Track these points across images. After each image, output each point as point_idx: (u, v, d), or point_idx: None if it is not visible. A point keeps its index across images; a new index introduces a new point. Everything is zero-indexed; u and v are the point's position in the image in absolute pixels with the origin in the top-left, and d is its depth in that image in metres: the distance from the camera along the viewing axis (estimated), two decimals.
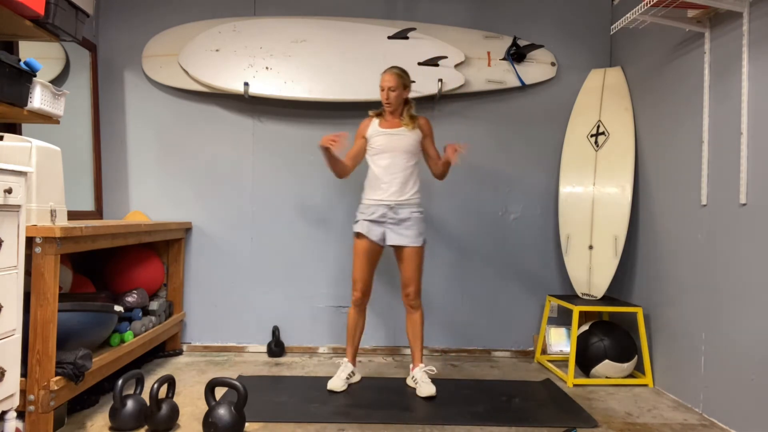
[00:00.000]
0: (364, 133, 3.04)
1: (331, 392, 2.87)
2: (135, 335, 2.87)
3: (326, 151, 2.84)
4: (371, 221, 2.94)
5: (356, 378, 3.07)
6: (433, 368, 3.02)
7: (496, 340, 3.78)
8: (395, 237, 2.94)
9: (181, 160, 3.69)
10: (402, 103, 3.00)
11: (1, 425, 1.92)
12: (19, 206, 1.93)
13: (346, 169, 3.04)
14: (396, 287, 3.75)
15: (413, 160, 2.98)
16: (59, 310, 2.22)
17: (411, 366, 3.07)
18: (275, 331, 3.63)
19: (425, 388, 2.84)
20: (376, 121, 3.03)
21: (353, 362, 3.07)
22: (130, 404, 2.34)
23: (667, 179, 3.09)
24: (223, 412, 2.24)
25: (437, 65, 3.58)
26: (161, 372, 3.19)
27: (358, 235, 2.96)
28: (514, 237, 3.78)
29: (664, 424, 2.55)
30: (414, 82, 3.52)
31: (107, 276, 3.17)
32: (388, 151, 2.95)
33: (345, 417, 2.53)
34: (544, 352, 3.65)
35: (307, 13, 3.68)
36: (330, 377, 3.02)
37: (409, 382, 3.04)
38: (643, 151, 3.36)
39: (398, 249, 2.98)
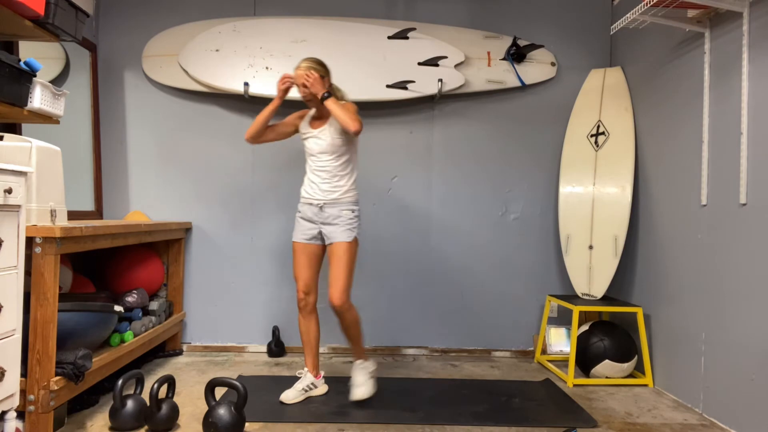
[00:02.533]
0: (296, 123, 2.90)
1: (282, 404, 2.68)
2: (135, 335, 2.87)
3: (284, 93, 2.78)
4: (304, 219, 2.82)
5: (320, 390, 2.85)
6: (372, 366, 2.87)
7: (496, 340, 3.78)
8: (326, 234, 2.78)
9: (181, 160, 3.69)
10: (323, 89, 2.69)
11: (1, 425, 1.92)
12: (19, 206, 1.93)
13: (266, 134, 2.87)
14: (396, 287, 3.75)
15: (343, 157, 2.76)
16: (59, 310, 2.22)
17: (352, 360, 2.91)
18: (275, 331, 3.63)
19: (359, 391, 2.71)
20: (308, 117, 2.87)
21: (314, 373, 2.85)
22: (130, 404, 2.34)
23: (667, 179, 3.09)
24: (223, 412, 2.24)
25: (437, 65, 3.58)
26: (161, 372, 3.19)
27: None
28: (514, 237, 3.78)
29: (664, 424, 2.55)
30: (414, 81, 3.54)
31: (107, 276, 3.17)
32: (315, 153, 2.78)
33: (345, 417, 2.53)
34: (544, 352, 3.65)
35: (307, 13, 3.68)
36: (330, 377, 3.02)
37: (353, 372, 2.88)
38: (643, 151, 3.36)
39: (328, 246, 2.81)
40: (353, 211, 2.79)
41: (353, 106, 2.74)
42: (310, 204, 2.79)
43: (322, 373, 2.93)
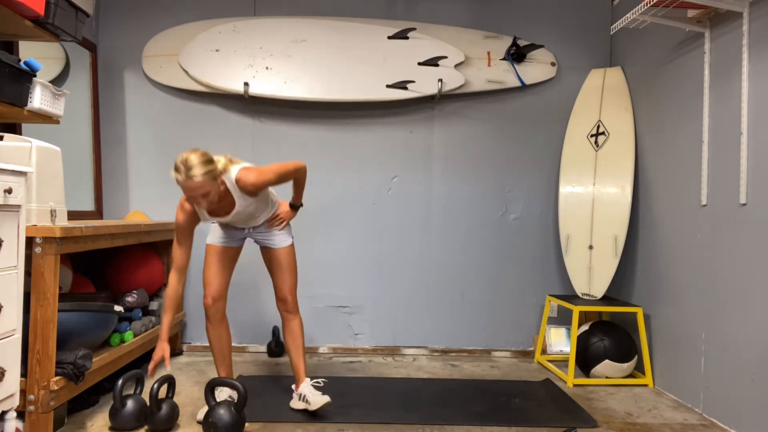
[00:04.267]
0: (191, 227, 2.41)
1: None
2: (135, 335, 2.87)
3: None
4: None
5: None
6: (319, 380, 2.68)
7: (496, 340, 3.78)
8: (260, 239, 2.61)
9: None
10: (219, 188, 2.29)
11: (1, 425, 1.92)
12: (19, 206, 1.93)
13: (186, 264, 2.44)
14: (396, 287, 3.75)
15: (262, 209, 2.52)
16: (59, 310, 2.22)
17: (293, 386, 2.62)
18: (275, 331, 3.63)
19: (317, 399, 2.47)
20: (202, 212, 2.38)
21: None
22: (130, 404, 2.34)
23: (667, 179, 3.09)
24: (223, 412, 2.24)
25: (437, 65, 3.58)
26: (161, 372, 3.19)
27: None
28: (514, 237, 3.78)
29: (664, 424, 2.55)
30: (414, 81, 3.54)
31: (107, 276, 3.17)
32: (237, 222, 2.51)
33: (345, 417, 2.53)
34: (544, 352, 3.65)
35: (307, 13, 3.68)
36: (330, 377, 3.02)
37: (295, 404, 2.58)
38: (643, 151, 3.36)
39: (266, 251, 2.63)
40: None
41: (278, 174, 2.37)
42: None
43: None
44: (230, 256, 2.60)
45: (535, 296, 3.78)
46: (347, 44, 3.57)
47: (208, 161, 2.22)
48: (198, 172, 2.17)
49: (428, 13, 3.75)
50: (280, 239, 2.60)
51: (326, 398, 2.49)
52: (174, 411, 2.36)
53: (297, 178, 2.54)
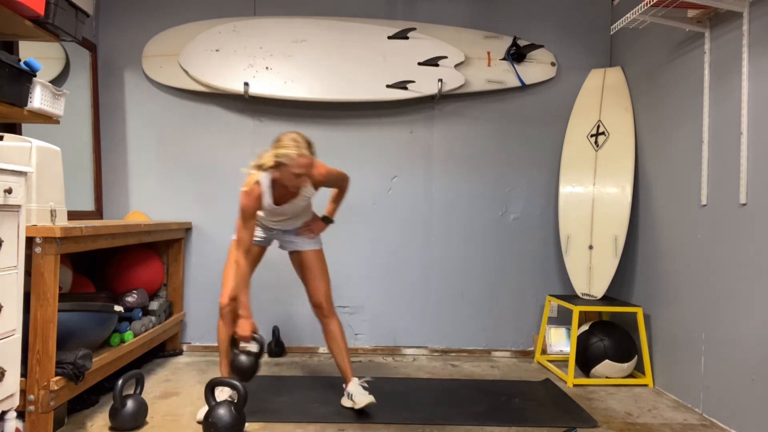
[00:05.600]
0: (256, 210, 2.48)
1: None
2: (135, 335, 2.87)
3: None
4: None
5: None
6: (368, 378, 2.71)
7: (496, 340, 3.78)
8: (288, 243, 2.72)
9: (181, 160, 3.69)
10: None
11: (1, 425, 1.92)
12: (19, 206, 1.93)
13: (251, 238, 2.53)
14: (396, 287, 3.75)
15: (307, 212, 2.71)
16: (59, 310, 2.22)
17: (343, 385, 2.66)
18: (275, 331, 3.63)
19: (362, 399, 2.52)
20: (268, 195, 2.45)
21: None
22: (130, 404, 2.34)
23: (667, 179, 3.09)
24: (223, 412, 2.24)
25: (437, 65, 3.58)
26: (161, 372, 3.19)
27: None
28: (514, 237, 3.78)
29: (664, 424, 2.55)
30: (414, 81, 3.54)
31: (107, 276, 3.17)
32: (283, 215, 2.61)
33: (345, 417, 2.53)
34: (544, 352, 3.65)
35: (307, 13, 3.68)
36: (331, 377, 3.01)
37: (344, 402, 2.64)
38: (643, 151, 3.36)
39: (295, 255, 2.71)
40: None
41: (335, 175, 2.62)
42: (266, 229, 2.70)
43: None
44: (254, 255, 2.66)
45: (535, 296, 3.78)
46: (347, 44, 3.57)
47: (309, 143, 2.38)
48: (309, 151, 2.35)
49: (428, 13, 3.75)
50: (310, 242, 2.71)
51: (371, 398, 2.53)
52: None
53: (342, 187, 2.74)
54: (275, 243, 2.81)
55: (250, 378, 2.46)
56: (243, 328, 2.44)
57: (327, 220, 2.80)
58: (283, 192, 2.48)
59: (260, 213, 2.57)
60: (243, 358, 2.45)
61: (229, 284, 2.57)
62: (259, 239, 2.71)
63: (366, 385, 2.64)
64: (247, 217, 2.44)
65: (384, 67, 3.56)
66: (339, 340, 2.67)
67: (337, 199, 2.81)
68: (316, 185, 2.57)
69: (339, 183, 2.70)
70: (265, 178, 2.42)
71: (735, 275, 2.50)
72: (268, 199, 2.46)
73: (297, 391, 2.87)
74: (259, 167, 2.41)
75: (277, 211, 2.55)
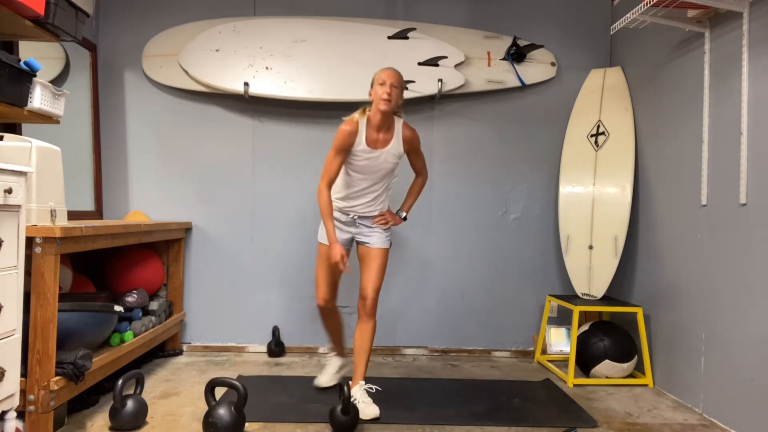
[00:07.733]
0: (348, 146, 2.63)
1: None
2: (135, 335, 2.87)
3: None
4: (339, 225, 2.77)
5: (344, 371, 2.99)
6: (372, 386, 2.68)
7: (496, 340, 3.78)
8: (363, 237, 2.79)
9: (181, 160, 3.69)
10: (398, 106, 2.66)
11: (1, 425, 1.92)
12: (19, 206, 1.93)
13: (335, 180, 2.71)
14: (396, 287, 3.75)
15: (392, 177, 2.82)
16: (59, 310, 2.22)
17: (350, 381, 2.66)
18: (275, 331, 3.63)
19: (369, 410, 2.51)
20: (363, 134, 2.64)
21: (343, 355, 3.06)
22: (130, 404, 2.34)
23: (667, 179, 3.09)
24: (223, 412, 2.24)
25: (437, 65, 3.58)
26: (161, 372, 3.19)
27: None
28: (514, 237, 3.78)
29: (664, 424, 2.56)
30: (414, 81, 3.54)
31: (107, 276, 3.17)
32: (368, 173, 2.72)
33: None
34: (544, 352, 3.65)
35: (307, 13, 3.68)
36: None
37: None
38: (643, 151, 3.36)
39: (363, 248, 2.79)
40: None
41: (420, 148, 2.84)
42: (344, 213, 2.80)
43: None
44: (338, 271, 2.74)
45: (535, 296, 3.78)
46: (347, 44, 3.56)
47: (403, 86, 2.68)
48: (398, 71, 2.65)
49: (428, 13, 3.75)
50: (380, 240, 2.78)
51: (376, 411, 2.51)
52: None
53: (423, 173, 2.93)
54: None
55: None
56: (334, 254, 2.56)
57: (401, 215, 2.91)
58: (374, 137, 2.66)
59: (346, 176, 2.72)
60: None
61: (320, 289, 2.80)
62: (340, 239, 2.73)
63: (372, 391, 2.64)
64: (339, 150, 2.61)
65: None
66: (366, 340, 2.69)
67: (415, 192, 2.95)
68: (405, 140, 2.70)
69: (422, 162, 2.89)
70: (362, 120, 2.64)
71: (735, 275, 2.50)
72: (362, 137, 2.63)
73: (297, 391, 2.87)
74: (362, 113, 2.66)
75: (365, 158, 2.65)
